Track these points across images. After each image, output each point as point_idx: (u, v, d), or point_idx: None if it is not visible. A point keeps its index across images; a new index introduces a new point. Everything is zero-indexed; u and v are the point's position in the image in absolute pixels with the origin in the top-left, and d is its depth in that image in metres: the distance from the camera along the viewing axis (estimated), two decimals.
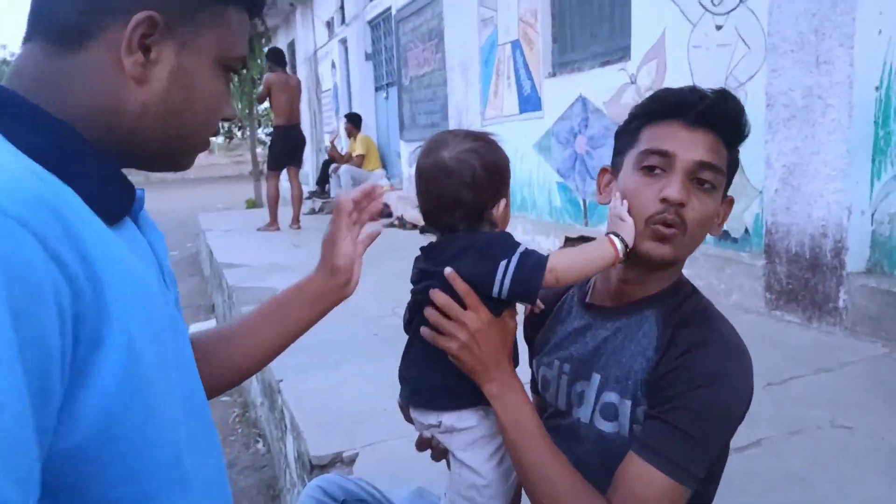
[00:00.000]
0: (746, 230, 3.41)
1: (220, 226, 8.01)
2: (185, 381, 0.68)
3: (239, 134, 30.59)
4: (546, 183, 5.07)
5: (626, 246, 0.98)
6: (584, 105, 4.56)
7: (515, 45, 5.35)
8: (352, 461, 1.83)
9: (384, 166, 9.07)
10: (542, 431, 0.95)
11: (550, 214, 5.06)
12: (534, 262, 0.94)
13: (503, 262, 0.93)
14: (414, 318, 1.04)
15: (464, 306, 0.95)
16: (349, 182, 8.00)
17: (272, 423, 2.85)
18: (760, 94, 3.22)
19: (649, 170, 0.98)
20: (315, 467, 1.84)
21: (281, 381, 2.47)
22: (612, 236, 0.99)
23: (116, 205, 0.66)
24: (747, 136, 1.03)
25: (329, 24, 11.21)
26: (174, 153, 0.75)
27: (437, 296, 0.96)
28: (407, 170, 8.26)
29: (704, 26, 3.55)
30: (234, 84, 12.75)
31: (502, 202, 1.02)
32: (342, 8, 10.11)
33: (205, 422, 0.73)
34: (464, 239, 0.98)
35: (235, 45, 0.73)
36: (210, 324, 5.05)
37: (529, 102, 5.24)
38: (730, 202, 1.06)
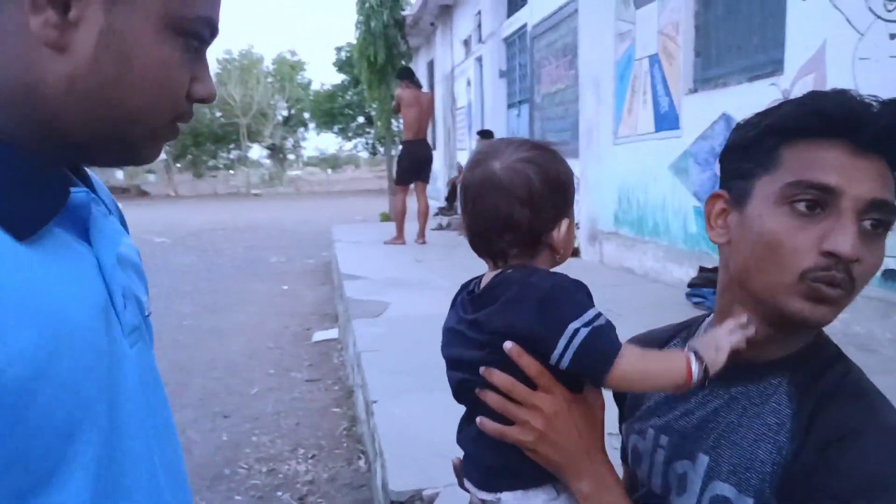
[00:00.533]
0: None
1: (349, 237, 8.28)
2: (121, 410, 0.56)
3: (382, 149, 32.04)
4: (681, 207, 4.69)
5: (705, 376, 0.75)
6: (728, 124, 4.16)
7: (654, 59, 5.03)
8: (431, 501, 1.70)
9: None
10: None
11: (685, 242, 4.67)
12: (605, 344, 0.75)
13: (572, 327, 0.74)
14: (462, 388, 0.85)
15: (531, 384, 0.77)
16: None
17: (370, 442, 2.81)
18: None
19: (808, 207, 0.73)
20: (394, 503, 1.73)
21: (375, 402, 2.40)
22: (691, 357, 0.75)
23: (28, 213, 0.51)
24: None
25: (466, 43, 11.34)
26: (117, 142, 0.58)
27: (497, 377, 0.78)
28: None
29: (875, 35, 3.10)
30: (376, 104, 13.25)
31: (564, 223, 0.85)
32: (479, 26, 10.18)
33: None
34: (518, 281, 0.80)
35: (191, 0, 0.56)
36: (332, 333, 5.17)
37: (666, 120, 4.89)
38: None
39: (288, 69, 40.87)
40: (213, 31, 0.59)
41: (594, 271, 5.36)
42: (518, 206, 0.81)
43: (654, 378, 0.78)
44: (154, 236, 13.01)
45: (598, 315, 0.76)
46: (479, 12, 10.07)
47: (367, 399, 2.60)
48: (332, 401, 3.79)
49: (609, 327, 0.76)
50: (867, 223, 0.72)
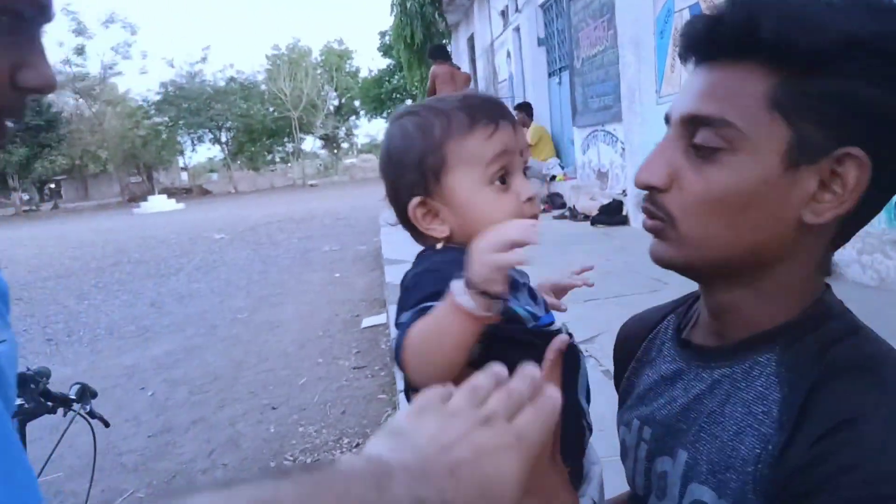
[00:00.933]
0: None
1: (395, 220, 8.25)
2: None
3: None
4: None
5: (491, 298, 0.61)
6: None
7: (695, 8, 4.74)
8: None
9: (558, 155, 8.71)
10: None
11: None
12: (400, 333, 0.66)
13: (399, 320, 0.67)
14: None
15: None
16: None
17: None
18: None
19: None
20: None
21: (402, 391, 2.34)
22: (453, 290, 0.62)
23: None
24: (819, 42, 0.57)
25: (504, 14, 11.07)
26: None
27: None
28: (581, 157, 7.83)
29: None
30: (422, 84, 13.15)
31: (413, 203, 0.75)
32: None
33: None
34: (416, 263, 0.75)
35: None
36: (381, 318, 5.16)
37: None
38: (847, 160, 0.58)
39: (336, 59, 41.20)
40: (37, 7, 0.50)
41: (645, 239, 5.12)
42: (382, 173, 0.79)
43: (437, 335, 0.64)
44: (214, 233, 13.41)
45: (425, 308, 0.66)
46: None
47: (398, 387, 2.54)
48: (377, 387, 3.77)
49: (417, 312, 0.66)
50: (690, 145, 0.63)
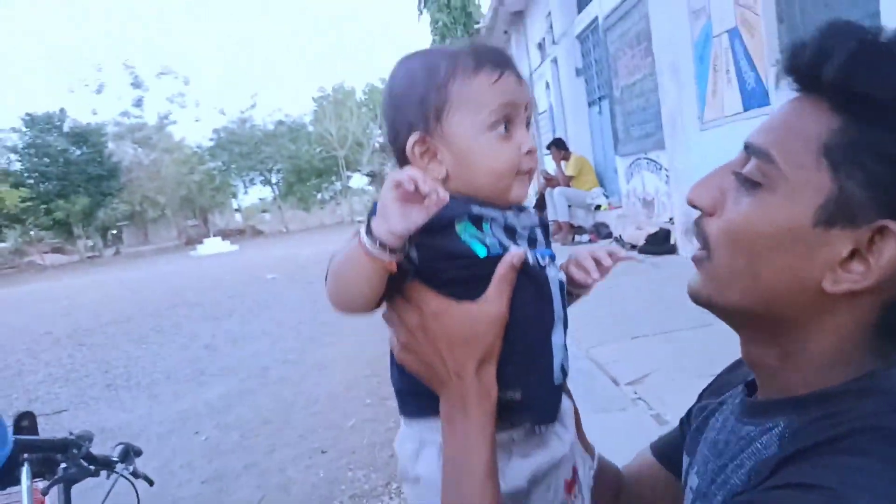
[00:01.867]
0: None
1: None
2: None
3: None
4: None
5: (389, 240, 0.65)
6: None
7: (733, 33, 4.68)
8: None
9: (601, 184, 8.64)
10: (489, 481, 0.67)
11: None
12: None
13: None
14: None
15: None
16: (563, 202, 7.77)
17: None
18: None
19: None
20: None
21: None
22: (360, 233, 0.67)
23: None
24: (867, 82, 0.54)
25: (541, 46, 11.17)
26: None
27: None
28: (625, 186, 7.75)
29: None
30: None
31: (413, 138, 0.74)
32: (551, 27, 9.99)
33: None
34: None
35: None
36: None
37: (755, 97, 4.52)
38: (888, 234, 0.54)
39: (379, 97, 42.18)
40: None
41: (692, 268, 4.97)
42: (383, 110, 0.80)
43: (346, 270, 0.69)
44: (266, 273, 13.72)
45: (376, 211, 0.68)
46: (550, 13, 9.89)
47: None
48: None
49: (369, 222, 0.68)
50: (740, 174, 0.61)
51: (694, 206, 0.64)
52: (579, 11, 9.04)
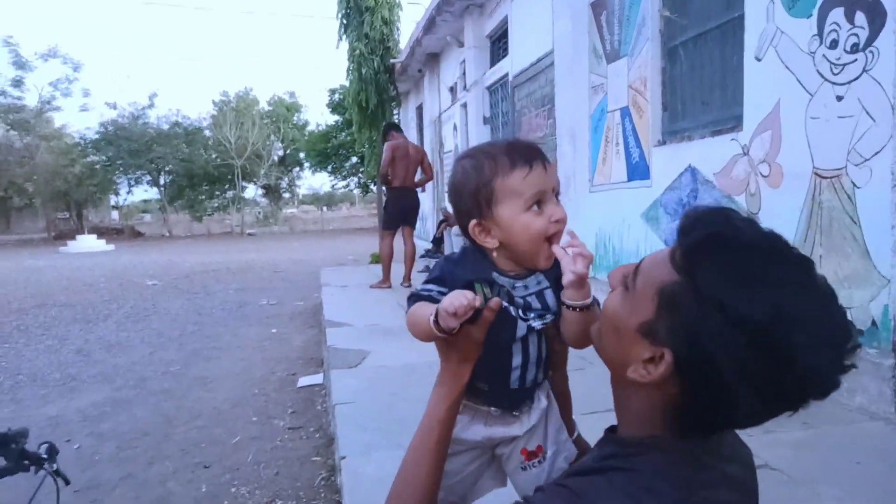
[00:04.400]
0: (874, 322, 3.03)
1: (337, 281, 8.37)
2: None
3: (374, 188, 32.36)
4: None
5: (437, 326, 0.98)
6: (694, 175, 4.34)
7: (625, 111, 5.24)
8: None
9: None
10: (442, 423, 1.04)
11: None
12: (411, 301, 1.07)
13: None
14: None
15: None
16: (459, 241, 8.12)
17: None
18: (886, 172, 2.90)
19: None
20: None
21: (343, 458, 2.48)
22: (432, 314, 0.99)
23: None
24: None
25: (452, 90, 11.64)
26: None
27: None
28: None
29: (823, 96, 3.29)
30: (370, 146, 13.58)
31: (472, 223, 1.06)
32: (464, 74, 10.47)
33: None
34: None
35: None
36: (317, 378, 5.22)
37: (637, 171, 5.07)
38: (666, 357, 0.78)
39: (284, 110, 41.43)
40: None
41: None
42: (449, 197, 1.12)
43: (417, 324, 1.02)
44: (147, 279, 13.09)
45: (425, 285, 1.08)
46: (464, 61, 10.37)
47: (336, 453, 2.67)
48: (312, 449, 3.83)
49: (425, 289, 1.07)
50: (628, 276, 0.88)
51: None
52: (491, 65, 9.58)
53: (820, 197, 3.32)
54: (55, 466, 1.51)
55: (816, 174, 3.34)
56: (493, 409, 1.15)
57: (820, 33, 3.29)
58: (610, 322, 0.85)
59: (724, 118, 4.16)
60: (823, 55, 3.27)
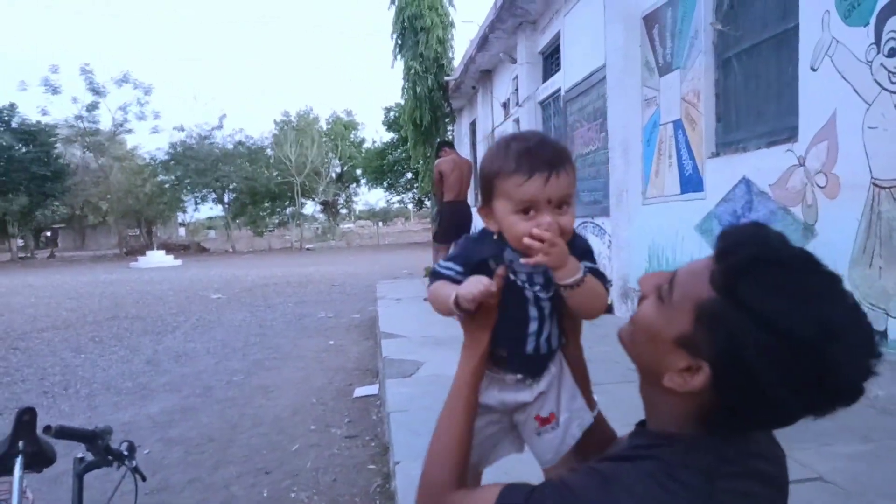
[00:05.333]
0: None
1: (392, 294, 8.54)
2: None
3: (428, 204, 32.68)
4: None
5: (457, 305, 1.08)
6: (748, 187, 4.29)
7: (678, 124, 5.21)
8: None
9: None
10: (468, 385, 1.12)
11: None
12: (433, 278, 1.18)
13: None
14: None
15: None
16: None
17: None
18: None
19: None
20: None
21: (398, 463, 2.57)
22: (453, 292, 1.10)
23: None
24: None
25: (505, 105, 11.74)
26: None
27: None
28: None
29: (881, 105, 3.22)
30: (425, 162, 13.79)
31: (478, 206, 1.17)
32: (517, 90, 10.56)
33: None
34: None
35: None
36: (373, 389, 5.35)
37: (691, 183, 5.03)
38: (703, 368, 0.83)
39: (341, 128, 42.45)
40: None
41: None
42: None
43: (438, 299, 1.13)
44: (211, 293, 13.61)
45: (445, 262, 1.17)
46: (517, 77, 10.46)
47: (393, 459, 2.77)
48: (368, 457, 3.94)
49: (440, 269, 1.16)
50: (662, 287, 0.92)
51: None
52: (544, 80, 9.63)
53: (878, 207, 3.24)
54: (135, 463, 1.65)
55: (875, 184, 3.27)
56: (512, 375, 1.21)
57: (878, 41, 3.23)
58: (645, 330, 0.90)
59: (779, 129, 4.10)
60: (881, 63, 3.21)
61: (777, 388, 0.74)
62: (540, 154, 1.07)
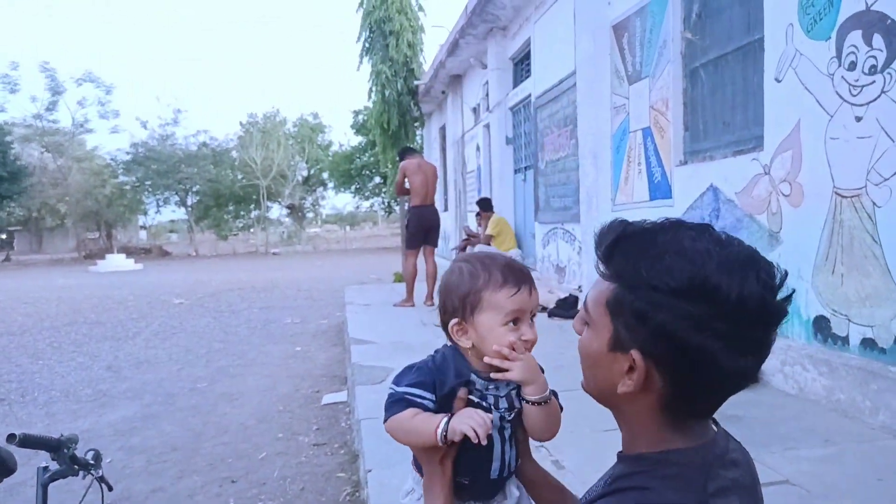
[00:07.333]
0: None
1: (361, 299, 8.47)
2: None
3: (397, 208, 32.54)
4: None
5: (444, 441, 1.09)
6: (716, 195, 4.37)
7: (646, 132, 5.29)
8: None
9: (519, 246, 9.17)
10: None
11: None
12: (386, 407, 1.15)
13: (390, 385, 1.18)
14: None
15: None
16: None
17: None
18: None
19: None
20: None
21: (370, 471, 2.54)
22: (439, 431, 1.09)
23: None
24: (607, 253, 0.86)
25: (475, 110, 11.79)
26: None
27: None
28: (541, 251, 8.28)
29: (842, 117, 3.31)
30: (393, 167, 13.77)
31: (453, 322, 1.15)
32: (487, 95, 10.61)
33: None
34: None
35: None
36: (341, 396, 5.29)
37: (659, 190, 5.11)
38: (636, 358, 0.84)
39: (308, 131, 42.09)
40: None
41: None
42: (439, 295, 1.21)
43: (414, 434, 1.12)
44: (174, 298, 13.32)
45: (403, 385, 1.15)
46: (487, 82, 10.51)
47: (362, 468, 2.73)
48: (337, 465, 3.89)
49: (399, 394, 1.14)
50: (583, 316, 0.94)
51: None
52: (514, 86, 9.70)
53: (840, 216, 3.33)
54: (101, 472, 1.59)
55: (837, 193, 3.36)
56: (472, 503, 1.22)
57: (839, 55, 3.32)
58: (587, 359, 0.91)
59: (745, 138, 4.19)
60: (842, 77, 3.30)
61: (699, 339, 0.76)
62: (518, 269, 1.17)
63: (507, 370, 1.11)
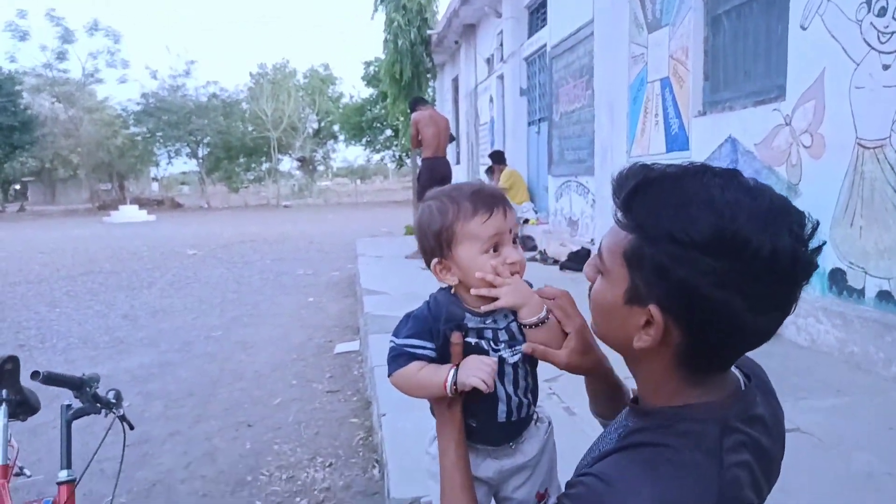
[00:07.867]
0: None
1: (372, 251, 8.50)
2: None
3: (409, 162, 32.34)
4: None
5: (455, 390, 1.07)
6: (734, 146, 4.29)
7: (665, 82, 5.17)
8: None
9: (532, 199, 9.10)
10: (458, 462, 1.10)
11: None
12: (388, 359, 1.13)
13: (390, 338, 1.15)
14: None
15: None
16: None
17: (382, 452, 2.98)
18: None
19: None
20: None
21: (384, 415, 2.58)
22: (448, 379, 1.07)
23: None
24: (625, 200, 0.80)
25: (489, 61, 11.55)
26: None
27: None
28: (554, 204, 8.22)
29: (869, 65, 3.21)
30: (405, 119, 13.60)
31: (434, 262, 1.12)
32: (501, 45, 10.38)
33: None
34: None
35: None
36: (353, 345, 5.36)
37: (677, 142, 5.02)
38: (654, 312, 0.79)
39: (319, 83, 41.56)
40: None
41: None
42: (416, 239, 1.18)
43: (421, 387, 1.10)
44: (187, 249, 13.44)
45: (402, 336, 1.13)
46: (501, 32, 10.27)
47: (376, 412, 2.78)
48: (350, 411, 3.97)
49: (396, 352, 1.12)
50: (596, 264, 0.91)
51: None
52: (529, 36, 9.48)
53: (862, 168, 3.26)
54: (122, 411, 1.62)
55: (859, 144, 3.28)
56: (483, 446, 1.19)
57: (868, 0, 3.20)
58: (600, 309, 0.88)
59: (766, 88, 4.09)
60: (871, 23, 3.19)
61: (723, 296, 0.72)
62: (488, 193, 1.12)
63: (496, 298, 1.09)
